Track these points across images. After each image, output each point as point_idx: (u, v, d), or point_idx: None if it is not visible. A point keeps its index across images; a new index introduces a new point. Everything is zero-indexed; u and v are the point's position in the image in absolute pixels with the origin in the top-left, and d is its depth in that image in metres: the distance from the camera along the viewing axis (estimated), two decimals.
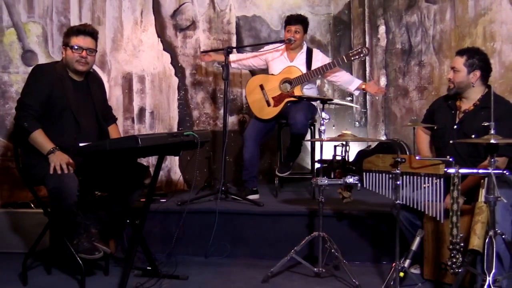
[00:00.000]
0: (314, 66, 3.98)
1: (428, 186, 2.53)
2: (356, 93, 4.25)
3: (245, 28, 4.96)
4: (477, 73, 2.89)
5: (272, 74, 4.09)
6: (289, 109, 3.95)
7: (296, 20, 4.03)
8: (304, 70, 3.97)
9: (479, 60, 2.89)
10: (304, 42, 4.16)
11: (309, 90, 4.06)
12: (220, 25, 4.89)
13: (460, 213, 2.40)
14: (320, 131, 3.03)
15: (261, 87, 4.08)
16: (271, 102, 4.03)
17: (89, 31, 3.07)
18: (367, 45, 4.96)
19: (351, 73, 5.06)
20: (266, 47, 4.25)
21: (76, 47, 3.01)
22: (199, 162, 4.45)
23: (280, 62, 4.12)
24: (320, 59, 4.05)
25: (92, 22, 4.36)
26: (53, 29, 4.29)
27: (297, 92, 3.93)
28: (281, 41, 4.11)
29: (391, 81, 4.92)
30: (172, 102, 4.80)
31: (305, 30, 4.09)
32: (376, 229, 3.37)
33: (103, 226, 3.12)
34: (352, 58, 3.86)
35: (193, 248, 3.49)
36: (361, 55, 3.84)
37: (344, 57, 3.88)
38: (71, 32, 3.05)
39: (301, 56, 4.08)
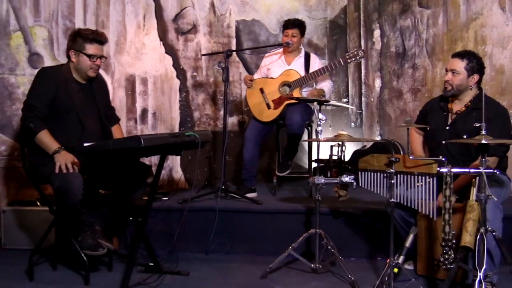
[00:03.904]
0: (312, 69, 4.01)
1: (422, 185, 2.55)
2: None
3: (245, 31, 5.00)
4: (476, 76, 2.93)
5: (271, 78, 4.13)
6: (287, 111, 4.00)
7: (293, 24, 4.08)
8: (302, 73, 4.01)
9: (477, 64, 2.92)
10: (302, 47, 4.21)
11: (305, 93, 4.10)
12: (220, 29, 4.93)
13: (452, 211, 2.43)
14: (317, 132, 3.06)
15: (261, 90, 4.12)
16: (271, 105, 4.07)
17: (104, 41, 3.11)
18: (362, 48, 5.04)
19: (347, 76, 5.15)
20: (263, 60, 4.31)
21: (92, 56, 3.04)
22: (200, 161, 4.47)
23: (278, 65, 4.17)
24: (317, 63, 4.11)
25: (96, 26, 4.39)
26: (59, 33, 4.31)
27: (296, 94, 3.97)
28: (279, 44, 4.16)
29: (386, 83, 4.98)
30: (174, 103, 4.83)
31: (302, 34, 4.13)
32: (371, 227, 3.40)
33: (106, 224, 3.16)
34: (349, 61, 3.85)
35: (194, 245, 3.53)
36: (357, 57, 3.83)
37: (340, 59, 3.88)
38: (86, 38, 3.04)
39: (299, 60, 4.14)
